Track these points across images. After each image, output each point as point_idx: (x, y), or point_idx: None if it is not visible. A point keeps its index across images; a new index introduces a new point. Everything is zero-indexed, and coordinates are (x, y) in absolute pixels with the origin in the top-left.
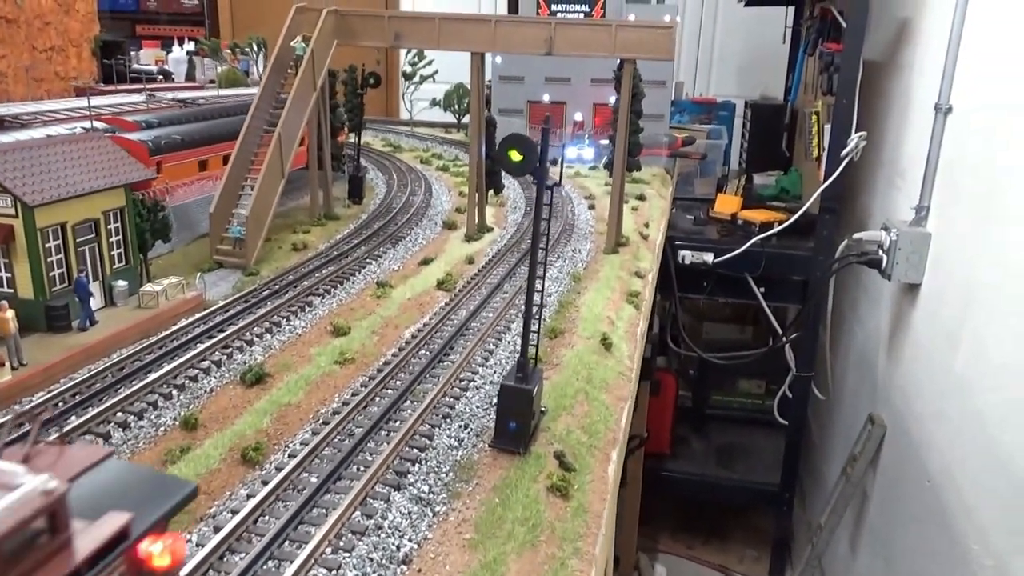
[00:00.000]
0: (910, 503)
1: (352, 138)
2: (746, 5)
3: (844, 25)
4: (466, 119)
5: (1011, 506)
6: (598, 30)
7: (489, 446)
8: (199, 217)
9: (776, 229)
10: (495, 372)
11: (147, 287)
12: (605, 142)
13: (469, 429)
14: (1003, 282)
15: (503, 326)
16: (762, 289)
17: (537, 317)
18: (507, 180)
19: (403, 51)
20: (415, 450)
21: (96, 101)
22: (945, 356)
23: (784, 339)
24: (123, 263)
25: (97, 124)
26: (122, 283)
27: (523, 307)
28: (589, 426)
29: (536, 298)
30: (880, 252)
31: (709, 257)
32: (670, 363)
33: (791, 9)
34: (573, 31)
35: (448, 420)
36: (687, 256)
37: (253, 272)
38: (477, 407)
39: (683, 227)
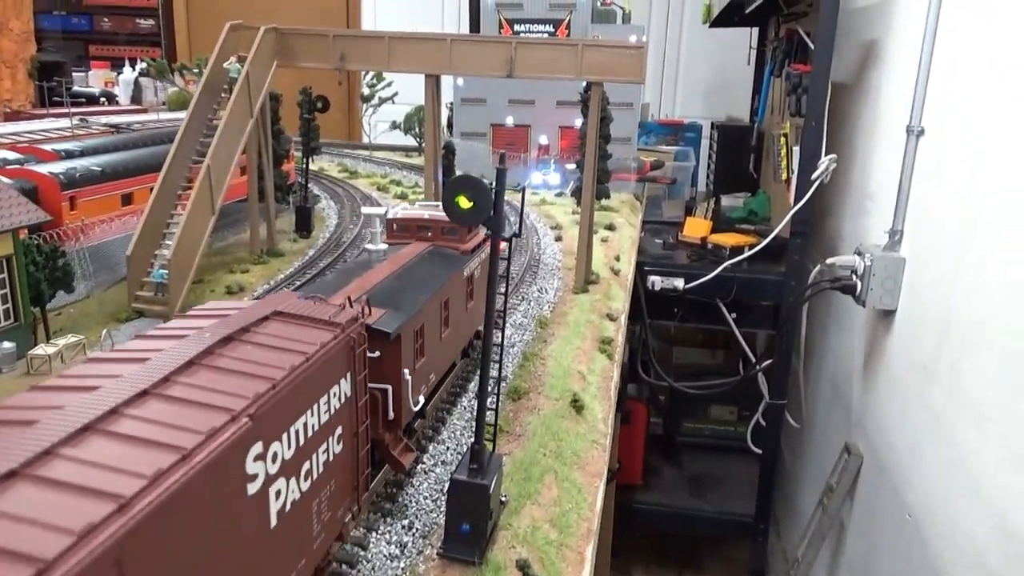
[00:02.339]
0: (890, 537)
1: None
2: (711, 26)
3: (811, 46)
4: None
5: (993, 545)
6: (563, 50)
7: (437, 554)
8: (121, 258)
9: (748, 253)
10: (449, 449)
11: (37, 349)
12: (572, 167)
13: (415, 530)
14: (980, 311)
15: (459, 384)
16: (734, 315)
17: (496, 392)
18: None
19: (363, 72)
20: (344, 565)
21: (22, 127)
22: (922, 387)
23: (757, 367)
24: (10, 320)
25: (9, 154)
26: (7, 345)
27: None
28: (559, 517)
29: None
30: (854, 277)
31: (680, 283)
32: (640, 391)
33: (755, 30)
34: (535, 52)
35: (389, 519)
36: (657, 282)
37: None
38: (425, 497)
39: (652, 252)
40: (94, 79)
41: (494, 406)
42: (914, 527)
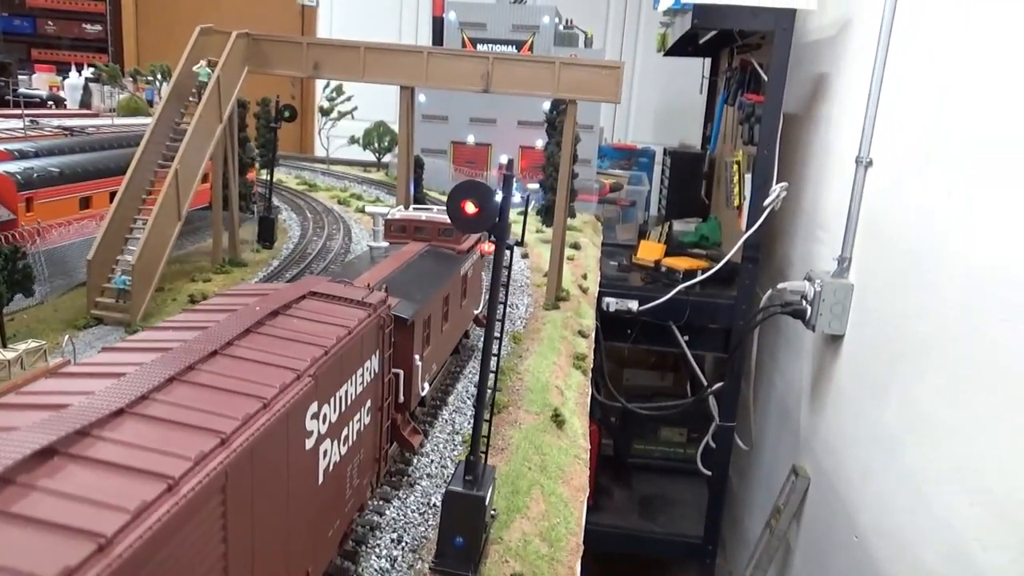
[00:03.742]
0: (837, 558)
1: (265, 175)
2: (665, 55)
3: (764, 77)
4: (387, 158)
5: (943, 568)
6: (540, 67)
7: (430, 569)
8: (78, 263)
9: (700, 277)
10: (433, 462)
11: None
12: (534, 186)
13: (404, 544)
14: (930, 336)
15: (445, 396)
16: (686, 337)
17: (491, 403)
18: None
19: (320, 84)
20: None
21: None
22: (872, 410)
23: (708, 389)
24: None
25: None
26: None
27: (476, 389)
28: (548, 531)
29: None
30: (804, 302)
31: (634, 305)
32: (592, 412)
33: (708, 60)
34: (512, 68)
35: (377, 532)
36: (611, 303)
37: (139, 329)
38: (413, 511)
39: (607, 274)
40: (38, 82)
41: (488, 418)
42: (862, 548)
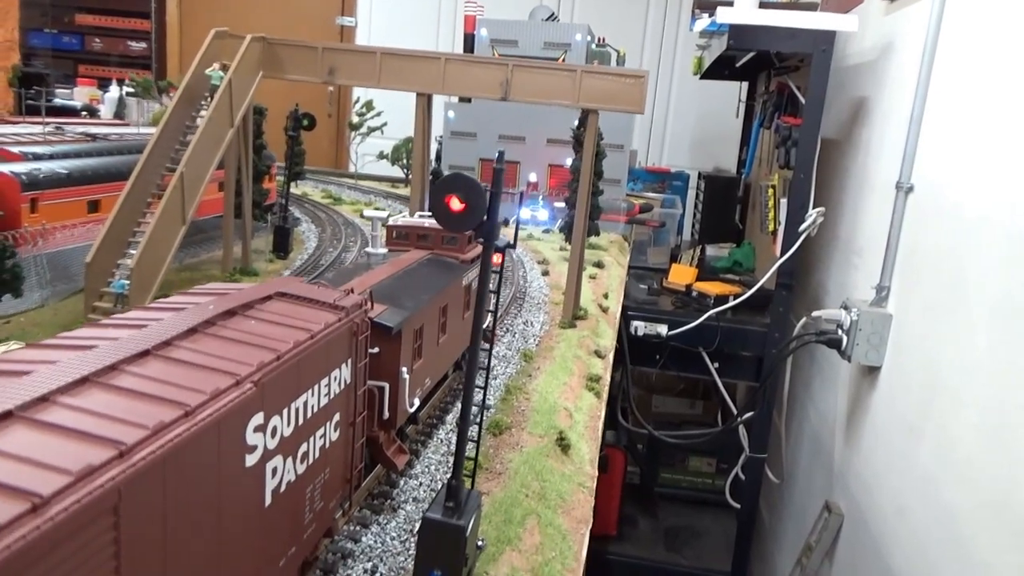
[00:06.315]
0: None
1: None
2: (701, 78)
3: (802, 100)
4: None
5: None
6: (561, 76)
7: None
8: (82, 267)
9: (732, 303)
10: (422, 484)
11: None
12: (560, 204)
13: (378, 575)
14: (968, 371)
15: (444, 414)
16: (716, 364)
17: (479, 422)
18: None
19: (353, 101)
20: None
21: None
22: (907, 446)
23: (738, 419)
24: None
25: None
26: None
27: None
28: (542, 567)
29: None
30: (839, 332)
31: (663, 329)
32: (619, 438)
33: (745, 84)
34: (532, 76)
35: (350, 561)
36: (640, 327)
37: None
38: (393, 538)
39: (636, 296)
40: (79, 95)
41: (475, 437)
42: None
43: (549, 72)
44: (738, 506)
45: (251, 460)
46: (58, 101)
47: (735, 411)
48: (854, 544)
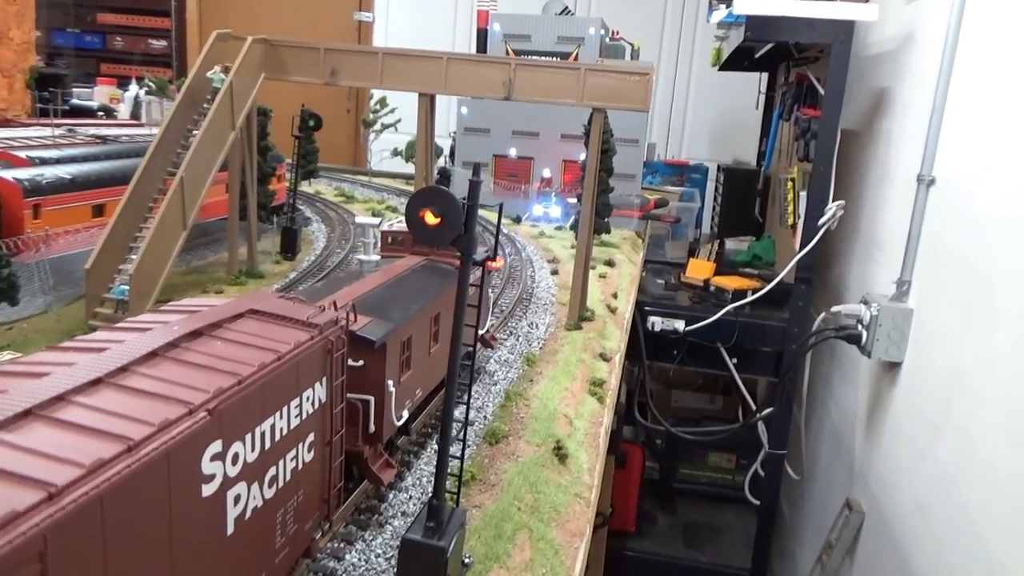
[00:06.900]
0: None
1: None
2: (720, 69)
3: (821, 92)
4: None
5: None
6: (564, 74)
7: None
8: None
9: (751, 297)
10: (412, 498)
11: None
12: (574, 200)
13: None
14: (989, 368)
15: (439, 425)
16: (735, 360)
17: (462, 438)
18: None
19: (369, 98)
20: None
21: (5, 133)
22: (927, 443)
23: (757, 415)
24: None
25: None
26: None
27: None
28: None
29: (459, 413)
30: (859, 327)
31: (680, 324)
32: (637, 434)
33: (764, 75)
34: (536, 74)
35: None
36: (657, 323)
37: None
38: (377, 555)
39: (653, 292)
40: (99, 95)
41: (459, 455)
42: None
43: (553, 71)
44: (758, 502)
45: (208, 490)
46: (74, 102)
47: (754, 407)
48: (875, 542)
